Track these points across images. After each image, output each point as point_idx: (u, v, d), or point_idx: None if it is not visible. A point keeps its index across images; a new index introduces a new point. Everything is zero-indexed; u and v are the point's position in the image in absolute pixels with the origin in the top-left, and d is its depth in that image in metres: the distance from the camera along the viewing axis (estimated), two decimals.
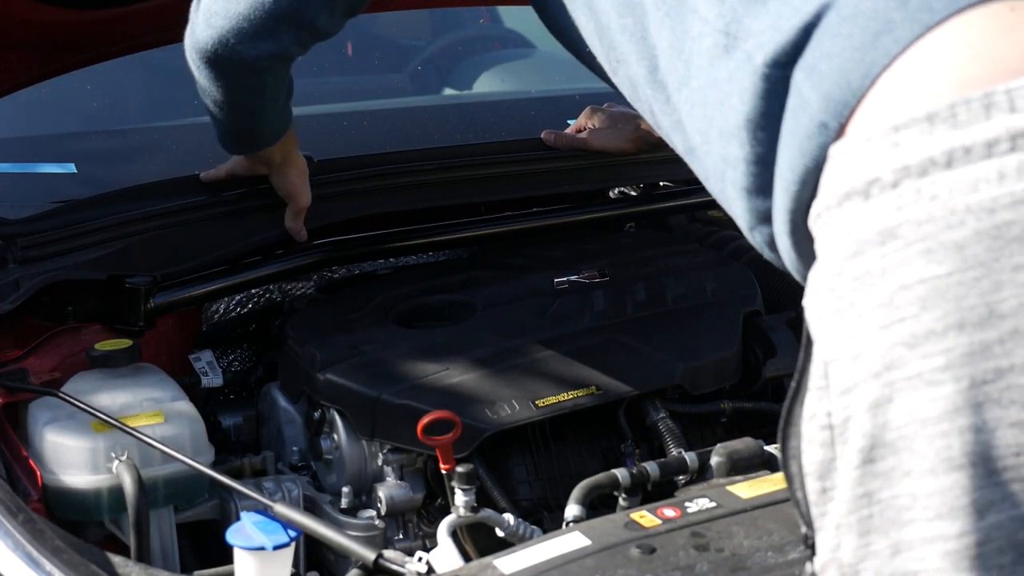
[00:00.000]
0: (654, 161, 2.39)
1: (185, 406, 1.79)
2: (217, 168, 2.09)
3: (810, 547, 1.09)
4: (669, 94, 1.20)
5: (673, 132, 1.24)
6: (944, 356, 0.95)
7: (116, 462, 1.66)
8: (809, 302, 1.06)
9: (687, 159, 1.26)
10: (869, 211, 0.99)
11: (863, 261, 0.99)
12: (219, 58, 1.72)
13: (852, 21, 1.03)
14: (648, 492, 1.70)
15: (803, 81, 1.06)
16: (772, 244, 1.16)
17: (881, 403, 0.98)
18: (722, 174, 1.16)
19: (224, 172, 2.09)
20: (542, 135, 2.35)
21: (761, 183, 1.12)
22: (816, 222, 1.06)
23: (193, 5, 1.72)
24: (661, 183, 2.63)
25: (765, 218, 1.14)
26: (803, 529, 1.11)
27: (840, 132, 1.03)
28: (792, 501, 1.11)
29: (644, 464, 1.71)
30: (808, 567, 1.10)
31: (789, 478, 1.10)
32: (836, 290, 1.02)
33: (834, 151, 1.03)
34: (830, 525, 1.04)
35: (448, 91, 3.29)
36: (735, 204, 1.17)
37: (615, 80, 1.35)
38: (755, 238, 1.18)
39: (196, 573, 1.55)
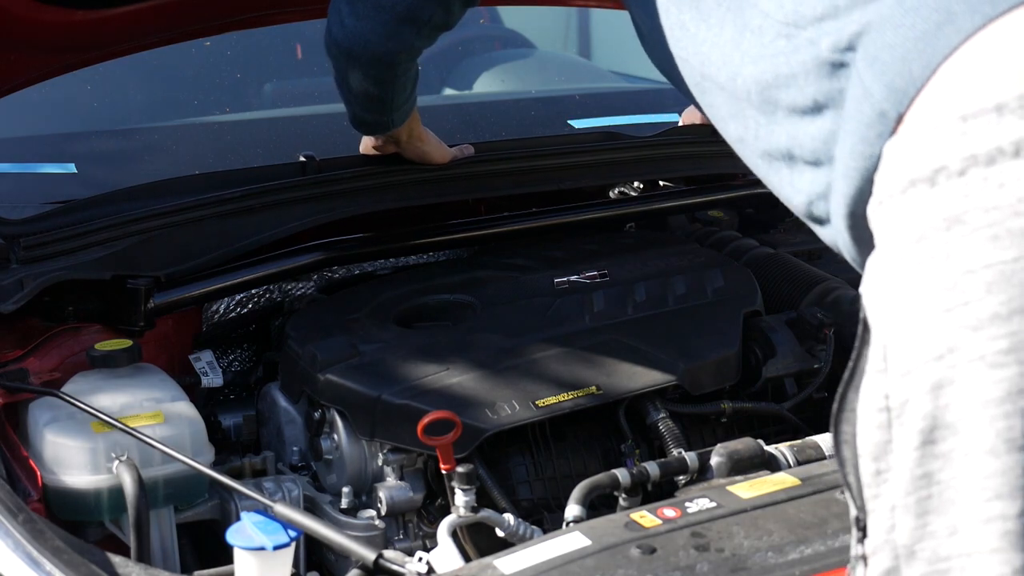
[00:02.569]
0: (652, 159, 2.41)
1: (185, 406, 1.79)
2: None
3: (861, 530, 1.11)
4: (722, 84, 1.26)
5: (730, 120, 1.29)
6: (1008, 339, 0.97)
7: (116, 462, 1.66)
8: (868, 287, 1.09)
9: (738, 147, 1.31)
10: (935, 198, 1.02)
11: (928, 246, 1.02)
12: (353, 54, 1.89)
13: (915, 12, 1.06)
14: (648, 492, 1.71)
15: (865, 70, 1.09)
16: (827, 221, 1.21)
17: (943, 385, 1.00)
18: (788, 151, 1.21)
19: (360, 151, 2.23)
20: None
21: (825, 160, 1.16)
22: (877, 209, 1.09)
23: (332, 4, 1.89)
24: (661, 183, 2.64)
25: (824, 195, 1.19)
26: (853, 512, 1.12)
27: (899, 121, 1.06)
28: (843, 485, 1.12)
29: (644, 464, 1.71)
30: (858, 549, 1.11)
31: (841, 462, 1.11)
32: (898, 275, 1.04)
33: (896, 140, 1.06)
34: (884, 507, 1.06)
35: (448, 91, 3.29)
36: (799, 179, 1.21)
37: (673, 73, 1.40)
38: (813, 211, 1.22)
39: (196, 573, 1.55)
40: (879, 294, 1.07)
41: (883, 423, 1.05)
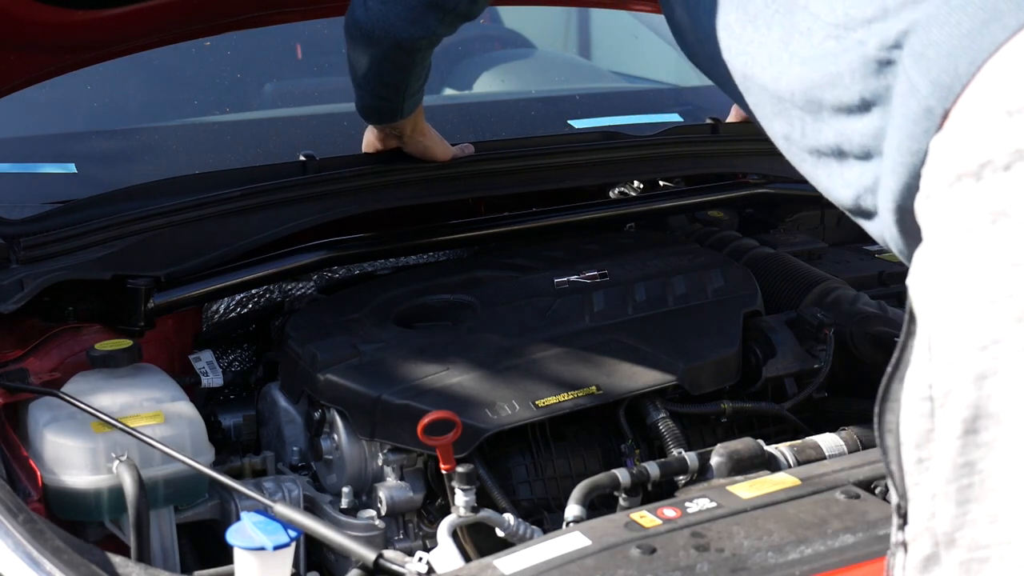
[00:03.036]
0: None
1: (185, 406, 1.79)
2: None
3: (902, 517, 1.13)
4: (766, 84, 1.29)
5: (774, 119, 1.31)
6: None
7: (116, 462, 1.66)
8: (915, 280, 1.11)
9: (782, 144, 1.34)
10: (981, 192, 1.05)
11: (974, 239, 1.04)
12: (376, 38, 1.89)
13: (961, 10, 1.09)
14: (648, 492, 1.70)
15: (912, 67, 1.12)
16: (875, 214, 1.23)
17: (987, 375, 1.02)
18: (837, 147, 1.23)
19: (364, 150, 2.25)
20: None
21: (874, 154, 1.19)
22: (924, 203, 1.12)
23: None
24: (661, 183, 2.64)
25: (872, 189, 1.21)
26: (894, 499, 1.14)
27: (945, 116, 1.09)
28: (886, 473, 1.15)
29: (644, 464, 1.71)
30: (898, 536, 1.13)
31: (884, 450, 1.14)
32: (945, 267, 1.07)
33: (942, 135, 1.09)
34: (926, 495, 1.08)
35: (448, 91, 3.29)
36: (848, 173, 1.24)
37: (714, 71, 1.43)
38: (861, 205, 1.25)
39: (196, 573, 1.55)
40: (926, 286, 1.09)
41: (927, 412, 1.07)
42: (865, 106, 1.18)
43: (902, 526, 1.13)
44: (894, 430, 1.12)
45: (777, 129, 1.32)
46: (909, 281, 1.12)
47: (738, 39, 1.32)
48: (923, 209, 1.13)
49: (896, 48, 1.14)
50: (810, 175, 1.32)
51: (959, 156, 1.07)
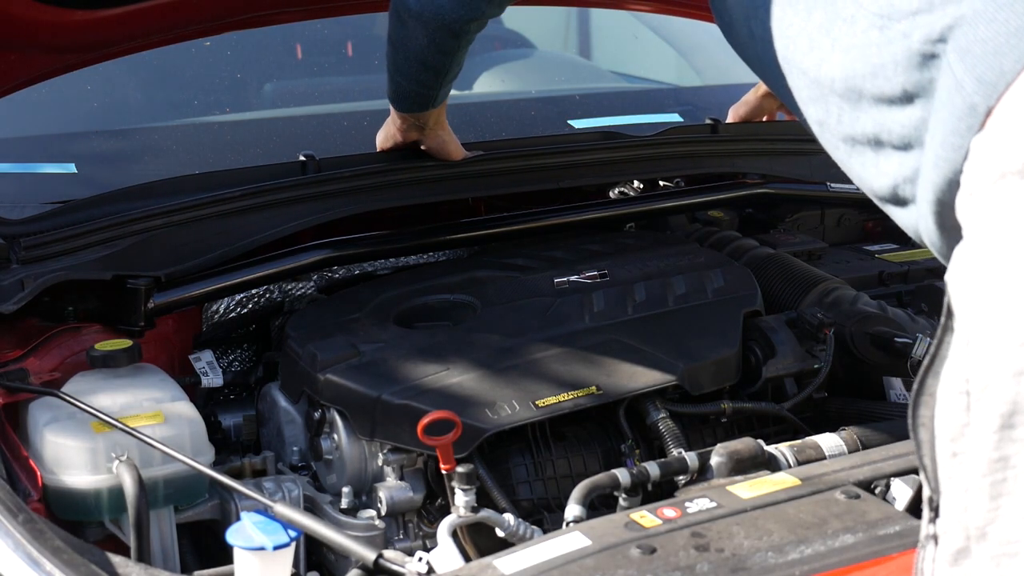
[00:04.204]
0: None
1: (185, 406, 1.79)
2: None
3: (933, 510, 1.14)
4: (806, 68, 1.30)
5: (810, 103, 1.33)
6: None
7: (116, 462, 1.66)
8: (954, 276, 1.12)
9: (816, 129, 1.35)
10: None
11: (1017, 237, 1.05)
12: (423, 18, 1.91)
13: (1008, 8, 1.10)
14: (648, 492, 1.70)
15: (956, 63, 1.13)
16: (911, 203, 1.24)
17: None
18: (875, 136, 1.24)
19: (379, 145, 2.25)
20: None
21: (915, 144, 1.20)
22: (967, 200, 1.13)
23: None
24: (661, 183, 2.64)
25: (912, 179, 1.22)
26: (927, 492, 1.15)
27: (988, 114, 1.10)
28: (919, 467, 1.16)
29: (644, 464, 1.71)
30: (929, 528, 1.15)
31: (917, 444, 1.15)
32: (986, 264, 1.08)
33: (985, 133, 1.10)
34: (959, 488, 1.09)
35: None
36: (886, 163, 1.25)
37: (754, 64, 1.47)
38: (898, 194, 1.25)
39: (196, 573, 1.55)
40: (966, 282, 1.10)
41: (963, 406, 1.08)
42: (907, 98, 1.19)
43: (933, 519, 1.14)
44: (928, 424, 1.13)
45: (812, 114, 1.34)
46: (948, 277, 1.13)
47: (779, 21, 1.34)
48: (965, 206, 1.13)
49: (941, 42, 1.15)
50: (843, 162, 1.33)
51: (1003, 154, 1.07)
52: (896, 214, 1.29)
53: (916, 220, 1.25)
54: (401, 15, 1.95)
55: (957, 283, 1.12)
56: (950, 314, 1.12)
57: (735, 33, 1.51)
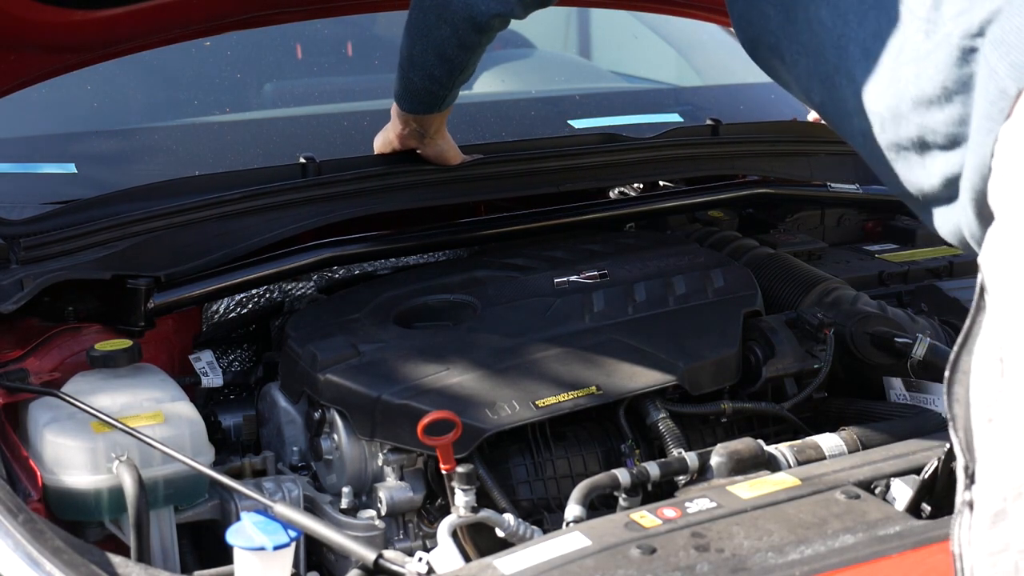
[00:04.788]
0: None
1: (185, 406, 1.79)
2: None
3: (969, 477, 1.20)
4: (855, 77, 1.35)
5: (855, 114, 1.37)
6: None
7: (116, 462, 1.66)
8: (987, 256, 1.18)
9: (861, 141, 1.40)
10: None
11: None
12: (452, 11, 1.88)
13: None
14: (648, 492, 1.70)
15: (991, 52, 1.19)
16: (956, 199, 1.29)
17: None
18: (922, 139, 1.29)
19: (376, 150, 2.24)
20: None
21: (962, 140, 1.25)
22: (996, 184, 1.19)
23: None
24: (661, 183, 2.64)
25: (959, 175, 1.27)
26: (962, 462, 1.21)
27: (1018, 96, 1.16)
28: (952, 441, 1.23)
29: (644, 464, 1.71)
30: (965, 496, 1.20)
31: (952, 418, 1.21)
32: (1016, 240, 1.14)
33: (1015, 116, 1.15)
34: (995, 452, 1.14)
35: None
36: (932, 163, 1.30)
37: (792, 70, 1.50)
38: (946, 192, 1.30)
39: (196, 573, 1.55)
40: (998, 259, 1.16)
41: (997, 373, 1.13)
42: (948, 96, 1.24)
43: (969, 486, 1.19)
44: (962, 399, 1.19)
45: (856, 125, 1.38)
46: (981, 259, 1.19)
47: (829, 32, 1.38)
48: (996, 190, 1.19)
49: (979, 36, 1.20)
50: (888, 166, 1.37)
51: None
52: (939, 214, 1.34)
53: (958, 214, 1.29)
54: (425, 4, 1.92)
55: (990, 261, 1.17)
56: (983, 293, 1.18)
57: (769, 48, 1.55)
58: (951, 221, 1.32)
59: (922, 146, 1.29)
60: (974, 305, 1.20)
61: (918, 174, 1.32)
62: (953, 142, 1.26)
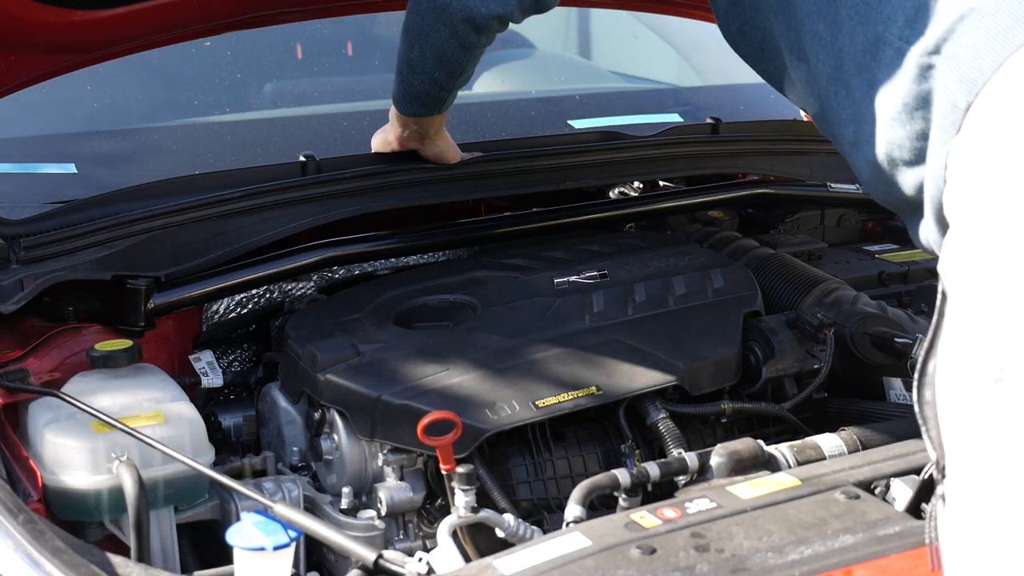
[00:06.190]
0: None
1: (185, 406, 1.79)
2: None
3: (940, 471, 1.26)
4: (852, 90, 1.42)
5: (848, 123, 1.44)
6: None
7: (116, 462, 1.66)
8: (944, 262, 1.25)
9: (850, 151, 1.47)
10: (999, 181, 1.17)
11: (992, 222, 1.17)
12: (451, 11, 1.87)
13: (990, 18, 1.24)
14: (648, 492, 1.70)
15: (944, 68, 1.27)
16: (922, 213, 1.36)
17: (1008, 334, 1.14)
18: (889, 154, 1.37)
19: (374, 150, 2.24)
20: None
21: (922, 157, 1.33)
22: (950, 194, 1.26)
23: None
24: (661, 183, 2.64)
25: (921, 190, 1.35)
26: (933, 456, 1.29)
27: (967, 109, 1.23)
28: (924, 440, 1.29)
29: (644, 464, 1.71)
30: (939, 490, 1.26)
31: (923, 419, 1.28)
32: (969, 246, 1.20)
33: (965, 129, 1.23)
34: (961, 446, 1.20)
35: None
36: (901, 178, 1.37)
37: (791, 74, 1.56)
38: (916, 205, 1.38)
39: (196, 573, 1.55)
40: (953, 265, 1.22)
41: (959, 370, 1.19)
42: (909, 112, 1.31)
43: (941, 480, 1.25)
44: (931, 402, 1.25)
45: (850, 134, 1.44)
46: (939, 267, 1.25)
47: (828, 46, 1.44)
48: (949, 200, 1.25)
49: (935, 54, 1.28)
50: (874, 178, 1.43)
51: (978, 146, 1.19)
52: (913, 225, 1.41)
53: (927, 226, 1.35)
54: (422, 6, 1.92)
55: (947, 268, 1.23)
56: (944, 299, 1.24)
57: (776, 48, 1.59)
58: (923, 232, 1.40)
59: (891, 162, 1.37)
60: (936, 311, 1.26)
61: (893, 187, 1.40)
62: (918, 157, 1.33)
